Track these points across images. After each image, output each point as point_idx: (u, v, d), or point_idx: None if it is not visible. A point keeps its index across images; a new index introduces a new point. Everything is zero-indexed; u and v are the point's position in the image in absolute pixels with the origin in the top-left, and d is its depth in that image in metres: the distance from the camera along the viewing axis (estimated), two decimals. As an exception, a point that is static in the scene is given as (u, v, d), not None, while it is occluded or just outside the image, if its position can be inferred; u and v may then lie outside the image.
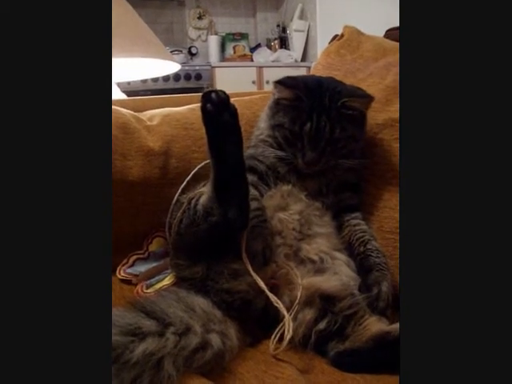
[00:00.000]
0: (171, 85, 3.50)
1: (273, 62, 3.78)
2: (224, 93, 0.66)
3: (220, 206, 0.68)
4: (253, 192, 0.76)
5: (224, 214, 0.68)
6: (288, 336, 0.66)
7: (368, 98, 0.84)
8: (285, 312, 0.69)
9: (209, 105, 0.65)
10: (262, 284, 0.70)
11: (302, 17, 3.76)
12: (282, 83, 0.84)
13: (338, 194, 0.88)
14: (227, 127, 0.67)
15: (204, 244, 0.73)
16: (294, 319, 0.70)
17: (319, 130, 0.80)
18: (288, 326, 0.67)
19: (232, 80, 3.56)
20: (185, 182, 0.87)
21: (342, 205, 0.88)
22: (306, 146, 0.82)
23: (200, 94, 0.67)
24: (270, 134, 0.88)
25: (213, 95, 0.65)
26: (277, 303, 0.69)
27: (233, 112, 0.66)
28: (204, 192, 0.73)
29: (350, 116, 0.82)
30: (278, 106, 0.86)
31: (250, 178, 0.80)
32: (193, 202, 0.74)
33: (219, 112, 0.66)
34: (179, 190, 0.86)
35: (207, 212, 0.70)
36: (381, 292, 0.76)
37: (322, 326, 0.71)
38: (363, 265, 0.80)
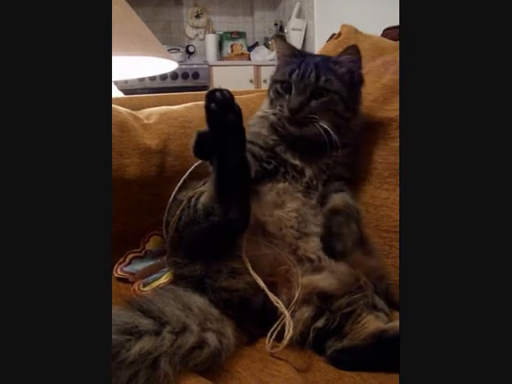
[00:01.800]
0: (169, 83, 3.50)
1: (270, 60, 3.77)
2: (229, 92, 0.65)
3: (221, 207, 0.68)
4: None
5: (225, 214, 0.68)
6: (288, 335, 0.66)
7: (354, 48, 0.86)
8: (285, 311, 0.68)
9: (213, 104, 0.65)
10: (261, 283, 0.70)
11: (299, 15, 3.76)
12: (282, 38, 0.96)
13: (327, 185, 0.87)
14: (231, 127, 0.66)
15: (203, 242, 0.72)
16: (292, 317, 0.70)
17: (304, 76, 0.83)
18: (288, 326, 0.67)
19: (229, 79, 3.56)
20: (182, 180, 0.87)
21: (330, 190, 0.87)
22: (292, 94, 0.83)
23: (198, 92, 0.67)
24: (267, 111, 0.89)
25: (217, 94, 0.65)
26: (277, 303, 0.69)
27: (237, 112, 0.66)
28: (204, 191, 0.73)
29: (339, 73, 0.85)
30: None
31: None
32: (193, 200, 0.74)
33: (223, 112, 0.65)
34: (176, 188, 0.86)
35: (208, 212, 0.69)
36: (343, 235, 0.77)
37: (319, 324, 0.71)
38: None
